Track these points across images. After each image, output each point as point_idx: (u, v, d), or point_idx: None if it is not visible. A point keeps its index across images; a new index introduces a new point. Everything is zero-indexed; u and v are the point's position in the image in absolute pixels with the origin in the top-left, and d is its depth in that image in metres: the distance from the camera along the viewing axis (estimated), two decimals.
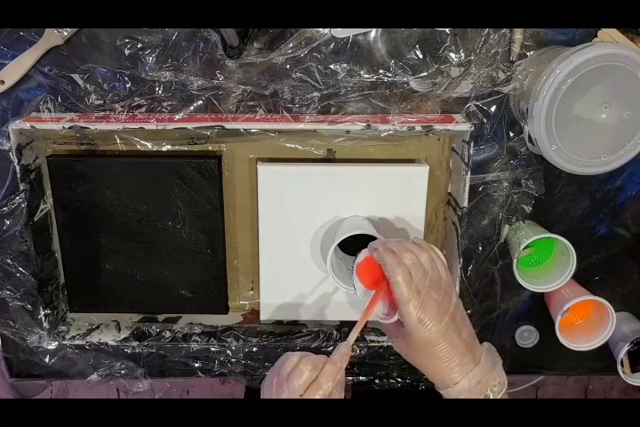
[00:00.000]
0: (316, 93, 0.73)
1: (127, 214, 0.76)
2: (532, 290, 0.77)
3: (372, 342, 0.80)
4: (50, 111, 0.72)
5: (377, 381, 0.87)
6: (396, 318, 0.59)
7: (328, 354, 0.76)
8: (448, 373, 0.57)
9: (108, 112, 0.73)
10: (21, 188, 0.72)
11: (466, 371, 0.56)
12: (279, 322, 0.82)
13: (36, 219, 0.74)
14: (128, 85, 0.72)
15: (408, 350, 0.59)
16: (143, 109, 0.73)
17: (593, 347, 0.77)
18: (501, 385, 0.58)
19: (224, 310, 0.82)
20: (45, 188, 0.76)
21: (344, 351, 0.57)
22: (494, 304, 0.83)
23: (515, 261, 0.75)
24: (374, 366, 0.86)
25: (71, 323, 0.82)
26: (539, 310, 0.83)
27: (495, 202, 0.78)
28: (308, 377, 0.54)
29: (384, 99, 0.73)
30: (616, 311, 0.76)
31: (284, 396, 0.54)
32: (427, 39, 0.71)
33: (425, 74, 0.72)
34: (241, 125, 0.70)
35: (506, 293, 0.82)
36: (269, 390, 0.56)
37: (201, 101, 0.73)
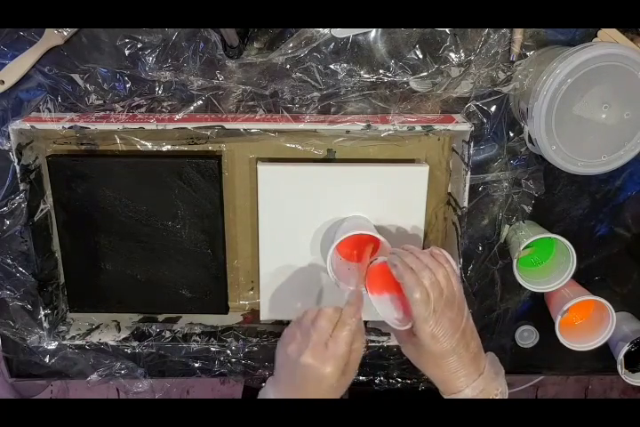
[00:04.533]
0: (316, 93, 0.73)
1: (127, 214, 0.76)
2: (532, 290, 0.77)
3: (372, 342, 0.80)
4: (50, 111, 0.72)
5: (377, 381, 0.87)
6: (409, 326, 0.60)
7: None
8: (453, 382, 0.59)
9: (108, 112, 0.73)
10: (21, 188, 0.72)
11: (470, 381, 0.59)
12: (279, 322, 0.82)
13: (36, 219, 0.74)
14: (128, 85, 0.72)
15: (417, 358, 0.62)
16: (143, 109, 0.73)
17: (593, 347, 0.77)
18: (502, 394, 0.60)
19: (224, 310, 0.82)
20: (45, 188, 0.76)
21: (358, 294, 0.60)
22: (494, 304, 0.83)
23: (515, 261, 0.75)
24: (374, 366, 0.86)
25: (71, 323, 0.82)
26: (539, 310, 0.83)
27: (495, 202, 0.78)
28: (333, 316, 0.57)
29: (384, 99, 0.73)
30: (616, 311, 0.76)
31: (313, 339, 0.55)
32: (427, 39, 0.71)
33: (425, 74, 0.72)
34: (241, 125, 0.70)
35: (506, 293, 0.83)
36: (291, 345, 0.57)
37: (201, 101, 0.73)
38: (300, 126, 0.70)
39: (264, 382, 0.84)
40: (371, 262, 0.65)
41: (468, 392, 0.59)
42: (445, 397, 0.61)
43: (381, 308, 0.64)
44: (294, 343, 0.57)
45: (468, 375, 0.59)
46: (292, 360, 0.56)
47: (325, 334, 0.56)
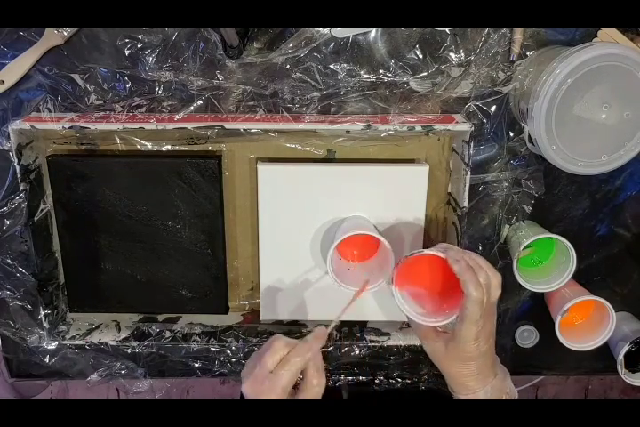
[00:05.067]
0: (316, 93, 0.73)
1: (127, 214, 0.76)
2: (532, 290, 0.77)
3: (372, 342, 0.80)
4: (50, 111, 0.72)
5: (377, 381, 0.87)
6: (443, 323, 0.60)
7: (328, 354, 0.76)
8: (472, 383, 0.61)
9: (108, 112, 0.73)
10: (21, 188, 0.72)
11: (486, 382, 0.61)
12: (279, 322, 0.82)
13: (36, 219, 0.74)
14: (128, 85, 0.72)
15: (443, 356, 0.62)
16: (143, 109, 0.73)
17: (593, 347, 0.77)
18: (512, 392, 0.63)
19: (224, 310, 0.82)
20: (45, 188, 0.76)
21: (319, 334, 0.58)
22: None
23: (515, 261, 0.75)
24: (374, 366, 0.86)
25: (71, 323, 0.82)
26: (539, 310, 0.83)
27: (495, 202, 0.78)
28: (281, 351, 0.55)
29: (384, 99, 0.73)
30: (616, 311, 0.76)
31: (255, 371, 0.55)
32: (427, 39, 0.71)
33: (425, 74, 0.72)
34: (241, 125, 0.70)
35: (506, 293, 0.82)
36: (245, 368, 0.58)
37: (201, 101, 0.73)
38: (300, 126, 0.70)
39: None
40: (412, 255, 0.62)
41: (483, 393, 0.60)
42: (460, 397, 0.62)
43: (405, 302, 0.63)
44: (246, 369, 0.57)
45: (487, 377, 0.61)
46: (242, 382, 0.57)
47: (266, 368, 0.55)
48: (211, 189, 0.75)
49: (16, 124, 0.69)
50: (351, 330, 0.81)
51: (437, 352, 0.62)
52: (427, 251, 0.61)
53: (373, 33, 0.71)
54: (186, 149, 0.76)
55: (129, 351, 0.82)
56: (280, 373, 0.54)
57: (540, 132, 0.65)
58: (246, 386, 0.55)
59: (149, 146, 0.74)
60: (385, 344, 0.80)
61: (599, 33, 0.71)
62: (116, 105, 0.73)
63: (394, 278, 0.63)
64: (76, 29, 0.70)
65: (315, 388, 0.55)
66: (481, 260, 0.60)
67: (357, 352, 0.82)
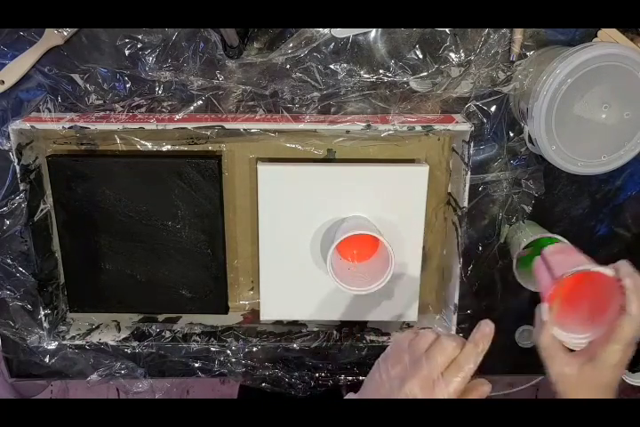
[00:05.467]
0: (316, 93, 0.73)
1: (127, 214, 0.76)
2: (532, 290, 0.77)
3: (372, 342, 0.80)
4: (50, 111, 0.72)
5: None
6: (589, 340, 0.57)
7: (328, 354, 0.76)
8: None
9: (108, 112, 0.73)
10: (21, 188, 0.72)
11: None
12: (279, 322, 0.82)
13: (36, 219, 0.74)
14: (128, 85, 0.72)
15: (574, 382, 0.58)
16: (143, 109, 0.73)
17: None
18: None
19: (224, 310, 0.82)
20: (45, 188, 0.76)
21: (487, 331, 0.51)
22: (494, 304, 0.83)
23: (515, 261, 0.75)
24: None
25: (71, 323, 0.82)
26: None
27: (495, 202, 0.78)
28: (452, 354, 0.50)
29: (384, 99, 0.73)
30: None
31: (423, 371, 0.49)
32: (427, 39, 0.71)
33: (425, 74, 0.72)
34: (241, 125, 0.70)
35: (506, 293, 0.82)
36: (397, 366, 0.52)
37: (201, 101, 0.73)
38: (300, 126, 0.70)
39: (264, 382, 0.85)
40: (573, 273, 0.56)
41: None
42: None
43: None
44: (401, 366, 0.51)
45: None
46: (393, 383, 0.51)
47: (437, 370, 0.49)
48: (211, 189, 0.75)
49: (16, 124, 0.69)
50: (351, 330, 0.81)
51: (568, 377, 0.57)
52: (594, 268, 0.56)
53: (373, 33, 0.71)
54: (186, 149, 0.76)
55: (129, 351, 0.82)
56: (453, 380, 0.49)
57: (540, 132, 0.65)
58: (414, 385, 0.49)
59: (149, 146, 0.74)
60: (385, 344, 0.80)
61: (599, 33, 0.71)
62: (116, 105, 0.73)
63: (549, 295, 0.56)
64: (75, 29, 0.70)
65: (484, 387, 0.52)
66: None
67: (357, 352, 0.82)
